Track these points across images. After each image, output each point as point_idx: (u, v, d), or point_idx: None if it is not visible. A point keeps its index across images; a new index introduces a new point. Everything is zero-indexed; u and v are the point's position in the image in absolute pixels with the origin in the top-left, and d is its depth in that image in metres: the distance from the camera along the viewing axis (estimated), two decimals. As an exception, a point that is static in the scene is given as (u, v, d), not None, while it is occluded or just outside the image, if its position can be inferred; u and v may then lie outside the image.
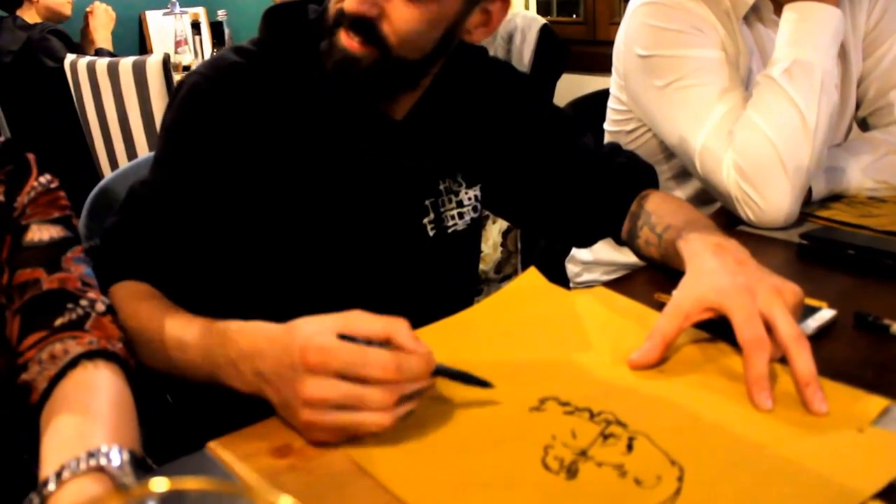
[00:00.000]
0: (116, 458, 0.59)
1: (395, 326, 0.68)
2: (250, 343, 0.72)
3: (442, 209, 1.07)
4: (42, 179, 0.82)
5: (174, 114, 0.96)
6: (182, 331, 0.80)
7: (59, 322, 0.73)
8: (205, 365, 0.76)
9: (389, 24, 0.89)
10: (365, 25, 0.89)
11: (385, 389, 0.64)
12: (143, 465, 0.61)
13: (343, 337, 0.67)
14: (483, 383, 0.72)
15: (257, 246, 0.98)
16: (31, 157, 0.82)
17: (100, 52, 3.11)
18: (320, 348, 0.65)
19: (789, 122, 1.18)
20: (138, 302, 0.87)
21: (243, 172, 0.94)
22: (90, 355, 0.70)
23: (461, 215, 1.09)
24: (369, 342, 0.67)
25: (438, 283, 1.08)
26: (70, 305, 0.74)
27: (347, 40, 0.90)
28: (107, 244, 0.94)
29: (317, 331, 0.67)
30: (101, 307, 0.76)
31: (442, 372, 0.70)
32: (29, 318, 0.74)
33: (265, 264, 1.00)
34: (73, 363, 0.69)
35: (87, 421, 0.64)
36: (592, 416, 0.70)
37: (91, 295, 0.77)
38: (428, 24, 0.91)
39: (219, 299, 0.92)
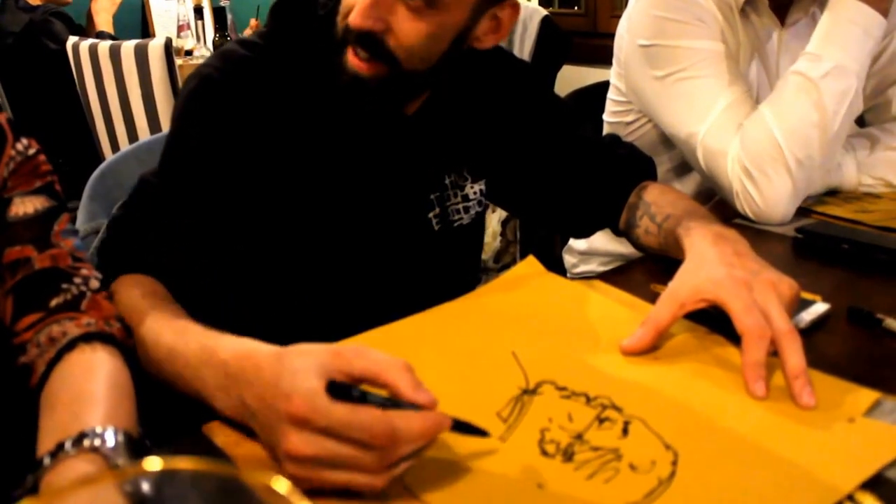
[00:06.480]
0: (111, 439, 0.60)
1: (395, 372, 0.61)
2: (239, 367, 0.66)
3: (447, 203, 1.06)
4: (19, 146, 0.77)
5: (186, 105, 0.94)
6: (176, 339, 0.74)
7: (54, 303, 0.72)
8: (193, 381, 0.71)
9: (396, 39, 0.87)
10: (372, 41, 0.87)
11: (377, 454, 0.58)
12: (139, 446, 0.61)
13: (335, 384, 0.60)
14: (483, 433, 0.64)
15: (264, 239, 0.96)
16: (3, 120, 0.77)
17: (101, 36, 3.09)
18: (306, 402, 0.58)
19: (810, 127, 1.16)
20: (141, 301, 0.81)
21: (253, 166, 0.92)
22: (88, 338, 0.70)
23: (466, 209, 1.09)
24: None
25: (442, 276, 1.08)
26: (65, 285, 0.73)
27: (355, 60, 0.89)
28: (113, 235, 0.91)
29: (305, 372, 0.60)
30: (94, 284, 0.75)
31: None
32: (23, 298, 0.73)
33: (271, 258, 0.98)
34: (71, 346, 0.69)
35: (82, 403, 0.64)
36: (589, 400, 0.71)
37: (84, 272, 0.76)
38: (434, 36, 0.89)
39: (224, 296, 0.91)
